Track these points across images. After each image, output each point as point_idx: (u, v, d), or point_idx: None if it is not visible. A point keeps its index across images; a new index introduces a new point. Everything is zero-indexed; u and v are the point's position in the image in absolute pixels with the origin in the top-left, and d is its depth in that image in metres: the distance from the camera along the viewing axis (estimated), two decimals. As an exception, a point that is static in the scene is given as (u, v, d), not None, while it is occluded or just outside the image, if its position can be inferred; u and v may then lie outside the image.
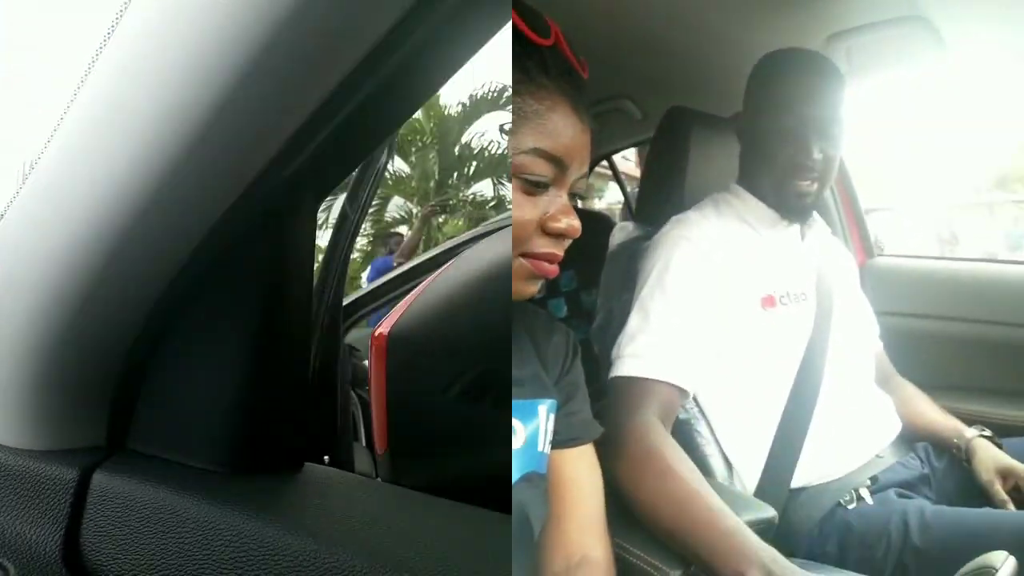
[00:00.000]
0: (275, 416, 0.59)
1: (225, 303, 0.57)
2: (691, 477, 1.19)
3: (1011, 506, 1.46)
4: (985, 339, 1.98)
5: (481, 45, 0.57)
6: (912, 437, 1.68)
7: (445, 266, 0.64)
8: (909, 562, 1.32)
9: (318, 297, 1.06)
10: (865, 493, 1.47)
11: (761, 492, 1.47)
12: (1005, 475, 1.52)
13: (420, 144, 12.74)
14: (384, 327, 0.60)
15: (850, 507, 1.46)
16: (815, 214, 1.66)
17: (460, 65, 0.59)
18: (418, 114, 13.18)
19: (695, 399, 1.50)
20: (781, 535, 1.30)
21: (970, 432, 1.61)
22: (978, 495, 1.50)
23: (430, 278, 0.64)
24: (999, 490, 1.50)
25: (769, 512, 1.32)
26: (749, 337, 1.48)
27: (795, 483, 1.48)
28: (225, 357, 0.58)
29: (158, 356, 0.60)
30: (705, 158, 1.70)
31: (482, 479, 0.63)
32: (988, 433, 1.60)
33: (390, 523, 0.54)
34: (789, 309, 1.53)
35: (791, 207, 1.56)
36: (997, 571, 0.85)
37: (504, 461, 0.61)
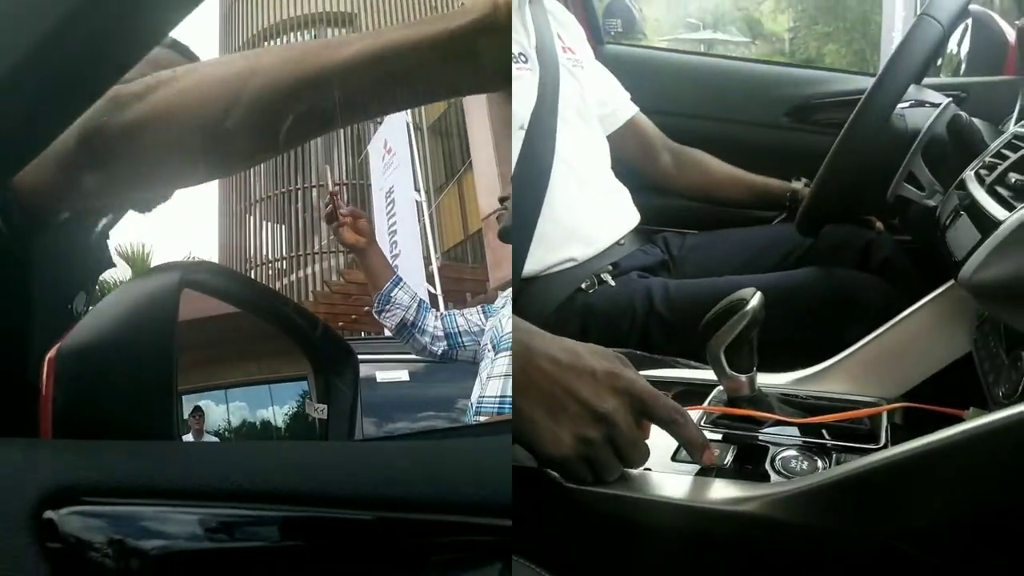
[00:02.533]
0: None
1: None
2: None
3: None
4: (717, 135, 2.14)
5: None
6: (738, 198, 1.87)
7: (107, 297, 0.73)
8: (654, 330, 1.46)
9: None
10: (607, 277, 1.57)
11: None
12: None
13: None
14: (52, 352, 0.68)
15: (591, 291, 1.56)
16: None
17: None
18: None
19: None
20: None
21: (796, 184, 1.81)
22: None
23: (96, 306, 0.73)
24: None
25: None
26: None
27: (527, 271, 1.54)
28: None
29: None
30: None
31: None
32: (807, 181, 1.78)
33: None
34: None
35: None
36: (748, 302, 0.95)
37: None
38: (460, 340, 1.83)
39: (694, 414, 0.99)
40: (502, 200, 1.77)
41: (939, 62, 2.10)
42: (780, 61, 2.56)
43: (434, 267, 8.25)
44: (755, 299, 0.96)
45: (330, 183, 1.69)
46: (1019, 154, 0.88)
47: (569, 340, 0.81)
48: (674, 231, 1.92)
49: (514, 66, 1.54)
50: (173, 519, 0.52)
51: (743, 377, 0.97)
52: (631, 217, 1.74)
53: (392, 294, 1.80)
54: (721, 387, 1.00)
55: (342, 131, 16.80)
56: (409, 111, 8.94)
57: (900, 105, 1.31)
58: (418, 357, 3.06)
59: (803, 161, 1.92)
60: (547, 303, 1.54)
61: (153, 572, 0.51)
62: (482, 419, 1.50)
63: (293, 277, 16.71)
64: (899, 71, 1.29)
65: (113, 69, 0.62)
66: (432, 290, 7.64)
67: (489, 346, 1.66)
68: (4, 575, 0.47)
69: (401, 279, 1.84)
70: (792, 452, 0.87)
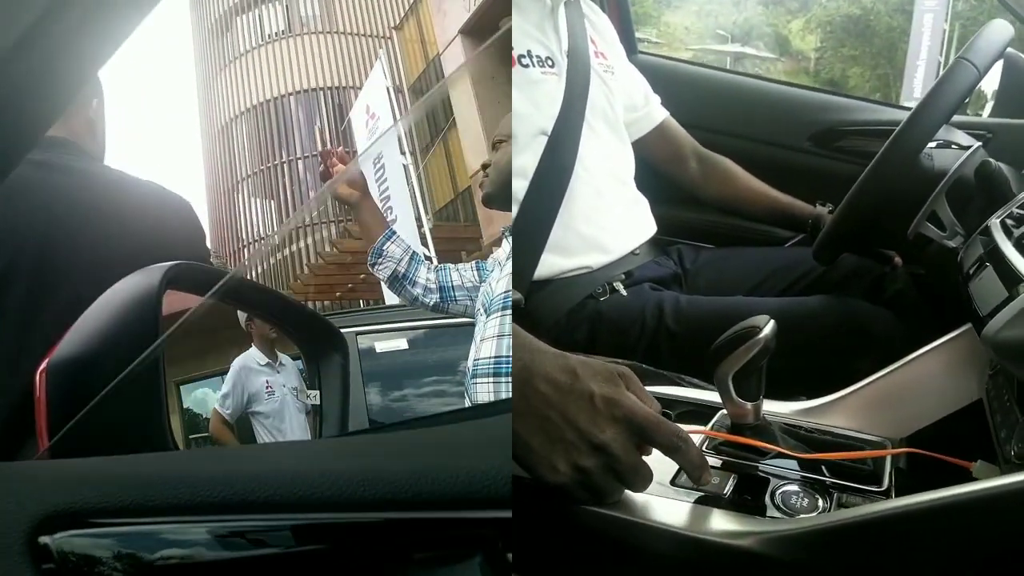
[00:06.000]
0: None
1: None
2: None
3: None
4: (740, 152, 2.10)
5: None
6: (760, 214, 1.84)
7: (92, 305, 0.73)
8: (662, 344, 1.43)
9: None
10: (619, 286, 1.55)
11: None
12: None
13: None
14: (43, 364, 0.69)
15: (602, 299, 1.53)
16: None
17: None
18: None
19: None
20: (524, 327, 1.35)
21: (821, 208, 1.75)
22: (728, 295, 1.64)
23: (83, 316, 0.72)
24: None
25: (514, 295, 1.36)
26: None
27: (540, 275, 1.52)
28: None
29: None
30: None
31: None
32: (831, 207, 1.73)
33: None
34: (531, 74, 1.52)
35: None
36: (761, 330, 0.92)
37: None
38: (453, 294, 1.81)
39: (696, 438, 0.97)
40: (484, 167, 1.76)
41: (965, 101, 2.07)
42: (804, 85, 2.51)
43: (426, 229, 8.13)
44: (768, 328, 0.93)
45: (319, 143, 1.70)
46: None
47: (572, 358, 0.77)
48: (689, 244, 1.89)
49: (539, 71, 1.52)
50: (163, 534, 0.52)
51: (749, 405, 0.95)
52: (647, 228, 1.72)
53: (384, 247, 1.80)
54: (725, 411, 0.98)
55: (322, 99, 16.90)
56: (388, 73, 8.80)
57: (928, 144, 1.28)
58: (416, 325, 3.11)
59: (823, 185, 1.89)
60: (558, 307, 1.52)
61: None
62: (478, 382, 1.48)
63: (286, 251, 16.63)
64: (933, 111, 1.26)
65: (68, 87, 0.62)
66: (427, 253, 7.41)
67: (481, 310, 1.65)
68: None
69: (394, 232, 1.84)
70: (793, 487, 0.84)
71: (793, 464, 0.90)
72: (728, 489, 0.84)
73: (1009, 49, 1.78)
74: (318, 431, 1.12)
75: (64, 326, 0.70)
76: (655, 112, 1.88)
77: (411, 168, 8.34)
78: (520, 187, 1.50)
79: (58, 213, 1.11)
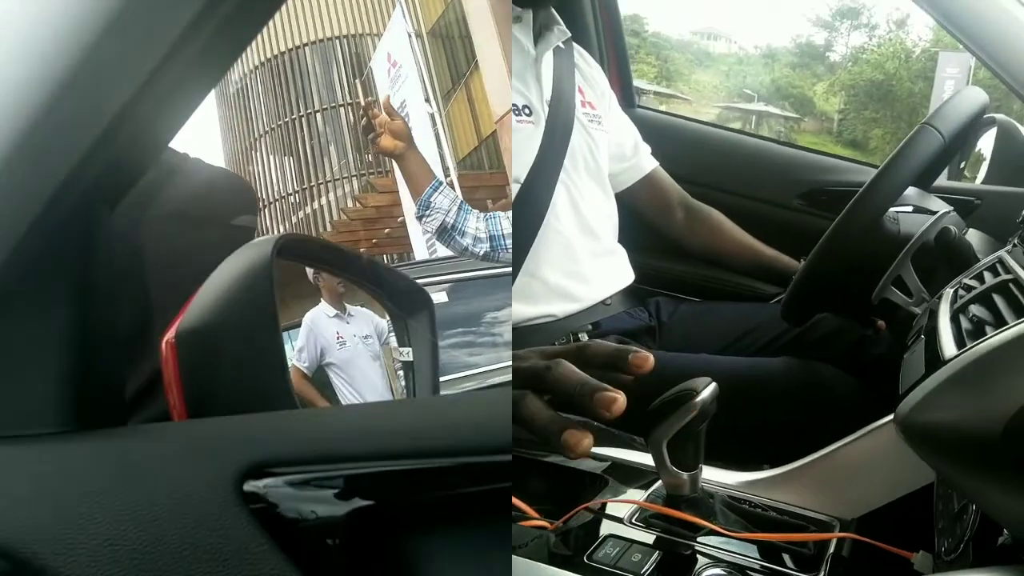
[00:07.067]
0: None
1: (39, 300, 0.64)
2: None
3: None
4: (732, 208, 2.05)
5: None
6: (743, 267, 1.80)
7: (211, 276, 0.76)
8: None
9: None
10: (584, 337, 1.48)
11: None
12: None
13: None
14: (170, 334, 0.73)
15: None
16: (559, 26, 1.57)
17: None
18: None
19: None
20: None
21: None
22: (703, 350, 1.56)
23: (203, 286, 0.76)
24: None
25: None
26: None
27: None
28: (46, 338, 0.65)
29: None
30: None
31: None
32: None
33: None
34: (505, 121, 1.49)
35: None
36: (698, 393, 0.85)
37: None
38: (503, 243, 1.74)
39: (628, 508, 0.89)
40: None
41: (962, 165, 2.00)
42: (797, 144, 2.45)
43: (453, 178, 7.83)
44: (706, 391, 0.86)
45: (361, 97, 1.64)
46: (985, 286, 0.77)
47: None
48: (670, 296, 1.82)
49: (514, 119, 1.47)
50: (337, 480, 0.58)
51: (685, 475, 0.87)
52: (622, 278, 1.65)
53: (432, 199, 1.71)
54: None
55: (339, 48, 16.25)
56: (408, 17, 8.41)
57: (900, 209, 1.21)
58: (449, 277, 3.07)
59: (812, 243, 1.83)
60: None
61: (332, 525, 0.56)
62: None
63: (308, 209, 16.09)
64: (893, 177, 1.19)
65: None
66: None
67: None
68: (217, 542, 0.52)
69: (441, 183, 1.76)
70: (719, 571, 0.76)
71: (729, 543, 0.82)
72: (648, 569, 0.77)
73: (1001, 116, 1.71)
74: (412, 386, 1.14)
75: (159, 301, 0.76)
76: (644, 162, 1.83)
77: (436, 116, 8.01)
78: None
79: (132, 198, 1.15)
